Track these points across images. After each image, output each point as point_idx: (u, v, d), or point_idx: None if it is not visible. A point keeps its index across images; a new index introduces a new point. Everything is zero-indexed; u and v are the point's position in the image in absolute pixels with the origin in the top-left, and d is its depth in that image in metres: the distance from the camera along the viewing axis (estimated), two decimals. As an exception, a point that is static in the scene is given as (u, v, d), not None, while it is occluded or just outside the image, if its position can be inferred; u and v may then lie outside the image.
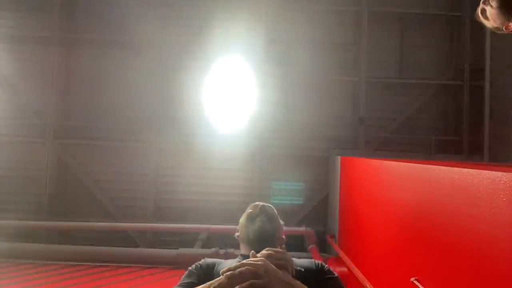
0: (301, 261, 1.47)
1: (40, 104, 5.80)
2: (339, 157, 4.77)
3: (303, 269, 1.37)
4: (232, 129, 5.72)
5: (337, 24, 5.91)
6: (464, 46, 5.79)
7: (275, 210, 1.61)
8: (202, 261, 1.51)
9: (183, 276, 1.46)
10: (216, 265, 1.46)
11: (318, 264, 1.48)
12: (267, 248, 1.24)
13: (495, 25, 1.50)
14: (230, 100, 5.78)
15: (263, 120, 5.72)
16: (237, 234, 1.61)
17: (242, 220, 1.58)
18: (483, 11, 1.53)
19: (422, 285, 1.97)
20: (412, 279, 2.04)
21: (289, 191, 5.63)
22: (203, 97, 5.75)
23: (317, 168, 5.67)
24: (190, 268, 1.49)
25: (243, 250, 1.53)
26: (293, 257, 1.49)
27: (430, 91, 5.86)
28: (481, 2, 1.53)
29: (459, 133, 5.78)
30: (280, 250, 1.26)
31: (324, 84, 5.83)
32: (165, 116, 5.79)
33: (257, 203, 1.62)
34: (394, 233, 2.57)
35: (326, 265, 1.49)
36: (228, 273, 1.13)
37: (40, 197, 5.67)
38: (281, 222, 1.60)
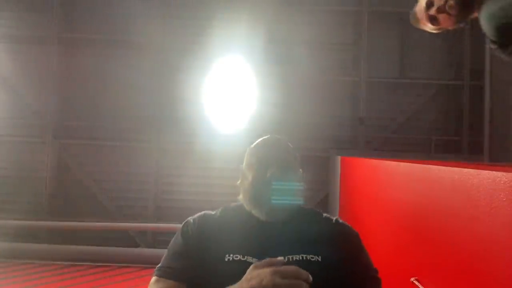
0: (320, 230, 1.16)
1: (40, 104, 5.80)
2: (339, 157, 4.77)
3: (319, 258, 1.09)
4: (232, 129, 5.72)
5: (337, 24, 5.91)
6: (464, 46, 5.79)
7: (288, 145, 1.32)
8: (193, 221, 1.20)
9: (167, 251, 1.18)
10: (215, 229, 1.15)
11: (352, 243, 1.20)
12: (269, 260, 0.91)
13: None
14: (230, 100, 5.78)
15: (263, 120, 5.72)
16: (239, 182, 1.31)
17: (247, 168, 1.25)
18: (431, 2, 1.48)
19: (422, 285, 1.97)
20: (412, 279, 2.03)
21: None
22: (203, 97, 5.75)
23: (317, 168, 5.67)
24: (176, 239, 1.19)
25: (247, 204, 1.24)
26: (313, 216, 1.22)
27: (430, 91, 5.86)
28: None
29: (459, 133, 5.78)
30: (292, 268, 0.89)
31: (324, 84, 5.83)
32: (166, 116, 5.79)
33: (265, 139, 1.32)
34: (394, 233, 2.57)
35: (363, 248, 1.23)
36: None
37: (40, 197, 5.67)
38: (298, 167, 1.32)
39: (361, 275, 1.17)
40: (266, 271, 0.88)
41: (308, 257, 1.09)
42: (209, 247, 1.12)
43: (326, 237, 1.17)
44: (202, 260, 1.10)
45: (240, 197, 1.29)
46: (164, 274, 1.11)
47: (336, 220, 1.29)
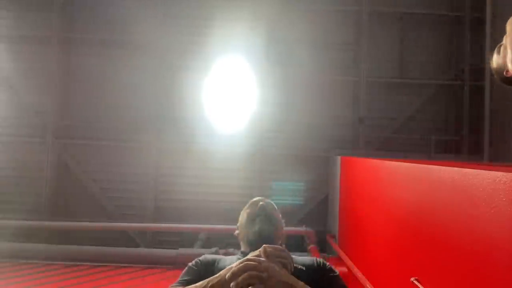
0: (301, 259, 1.44)
1: (40, 104, 5.80)
2: (339, 157, 4.77)
3: (304, 268, 1.34)
4: (232, 129, 5.72)
5: (337, 24, 5.91)
6: (464, 46, 5.79)
7: (275, 207, 1.59)
8: (202, 258, 1.49)
9: (182, 273, 1.43)
10: (217, 262, 1.44)
11: (320, 262, 1.46)
12: (265, 245, 1.20)
13: (502, 64, 1.46)
14: (230, 100, 5.78)
15: (263, 120, 5.72)
16: (236, 232, 1.59)
17: (242, 219, 1.55)
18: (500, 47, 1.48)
19: (422, 285, 1.96)
20: (412, 279, 2.03)
21: (289, 191, 5.63)
22: (203, 97, 5.75)
23: (317, 168, 5.68)
24: (189, 264, 1.47)
25: (243, 247, 1.51)
26: (294, 255, 1.49)
27: (430, 91, 5.86)
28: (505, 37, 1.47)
29: (459, 133, 5.78)
30: (279, 247, 1.23)
31: (324, 84, 5.83)
32: (165, 116, 5.79)
33: (256, 199, 1.59)
34: (394, 233, 2.57)
35: (328, 263, 1.47)
36: (229, 273, 1.10)
37: (40, 197, 5.67)
38: (281, 219, 1.58)
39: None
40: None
41: (295, 265, 1.29)
42: (214, 266, 1.41)
43: (309, 260, 1.45)
44: (208, 271, 1.33)
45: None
46: (176, 284, 1.35)
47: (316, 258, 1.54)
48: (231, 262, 1.36)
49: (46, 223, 5.42)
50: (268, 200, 1.60)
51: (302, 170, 5.66)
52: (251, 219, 1.49)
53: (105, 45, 5.87)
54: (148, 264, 4.81)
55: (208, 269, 1.39)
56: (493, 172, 1.42)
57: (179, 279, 1.39)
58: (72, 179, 5.81)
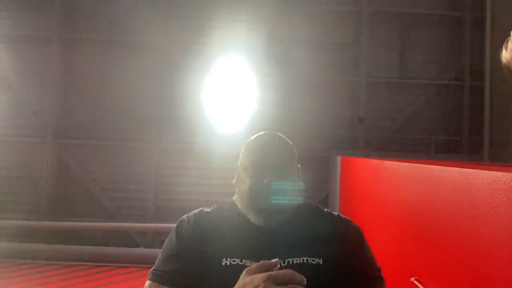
0: (319, 230, 1.11)
1: (40, 104, 5.79)
2: (339, 157, 4.78)
3: (320, 261, 1.06)
4: (232, 129, 5.72)
5: (337, 24, 5.91)
6: (464, 46, 5.79)
7: (284, 143, 1.26)
8: (189, 219, 1.15)
9: (162, 253, 1.12)
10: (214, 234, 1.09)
11: (346, 236, 1.14)
12: (263, 264, 0.88)
13: (510, 58, 1.46)
14: (230, 100, 5.78)
15: (263, 120, 5.71)
16: (233, 181, 1.23)
17: (242, 177, 1.16)
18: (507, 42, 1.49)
19: (422, 285, 1.96)
20: (412, 279, 2.03)
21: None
22: (203, 97, 5.75)
23: (317, 168, 5.66)
24: (172, 235, 1.12)
25: (242, 208, 1.16)
26: (310, 204, 1.23)
27: (430, 91, 5.86)
28: None
29: (459, 133, 5.78)
30: (285, 275, 0.85)
31: (324, 84, 5.82)
32: (165, 116, 5.78)
33: (260, 139, 1.23)
34: (394, 233, 2.57)
35: (358, 230, 1.18)
36: None
37: (40, 197, 5.67)
38: (298, 173, 1.27)
39: (364, 277, 1.13)
40: (260, 276, 0.83)
41: (309, 260, 1.06)
42: (205, 249, 1.07)
43: (327, 236, 1.13)
44: (198, 263, 1.05)
45: (235, 197, 1.24)
46: (157, 279, 1.07)
47: (338, 216, 1.25)
48: (232, 243, 1.09)
49: (46, 223, 5.42)
50: (275, 150, 1.21)
51: (302, 170, 5.64)
52: (255, 185, 1.13)
53: (105, 45, 5.87)
54: (148, 264, 4.75)
55: (203, 237, 1.09)
56: (493, 172, 1.42)
57: (156, 267, 1.09)
58: (72, 179, 5.81)
